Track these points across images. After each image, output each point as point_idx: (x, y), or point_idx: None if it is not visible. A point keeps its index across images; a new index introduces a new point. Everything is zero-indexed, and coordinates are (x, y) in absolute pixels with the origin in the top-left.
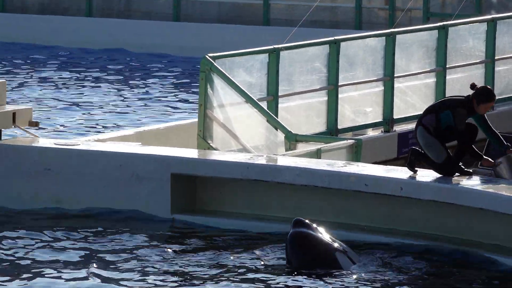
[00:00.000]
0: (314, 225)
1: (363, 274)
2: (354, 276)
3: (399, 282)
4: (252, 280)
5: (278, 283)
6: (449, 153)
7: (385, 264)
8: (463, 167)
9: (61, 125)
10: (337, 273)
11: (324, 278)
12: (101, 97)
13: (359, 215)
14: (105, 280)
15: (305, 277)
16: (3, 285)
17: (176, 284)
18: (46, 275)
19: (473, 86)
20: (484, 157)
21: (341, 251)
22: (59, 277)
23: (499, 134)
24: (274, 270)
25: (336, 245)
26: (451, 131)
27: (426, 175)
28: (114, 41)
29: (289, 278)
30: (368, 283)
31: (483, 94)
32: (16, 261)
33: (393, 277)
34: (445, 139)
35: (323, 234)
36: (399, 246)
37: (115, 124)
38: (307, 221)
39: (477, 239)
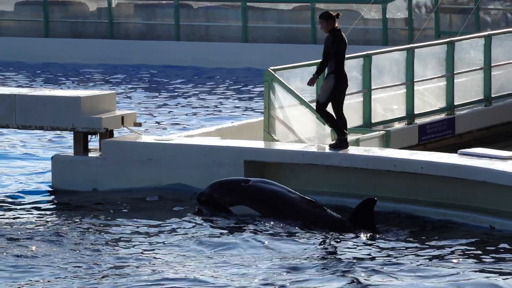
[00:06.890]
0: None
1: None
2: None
3: (420, 248)
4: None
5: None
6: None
7: (406, 232)
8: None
9: (157, 123)
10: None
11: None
12: (186, 103)
13: (389, 189)
14: (204, 255)
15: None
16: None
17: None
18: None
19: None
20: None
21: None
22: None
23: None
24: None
25: None
26: None
27: (441, 156)
28: (195, 60)
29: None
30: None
31: None
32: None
33: (416, 242)
34: None
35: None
36: (419, 214)
37: (199, 124)
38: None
39: (480, 206)
